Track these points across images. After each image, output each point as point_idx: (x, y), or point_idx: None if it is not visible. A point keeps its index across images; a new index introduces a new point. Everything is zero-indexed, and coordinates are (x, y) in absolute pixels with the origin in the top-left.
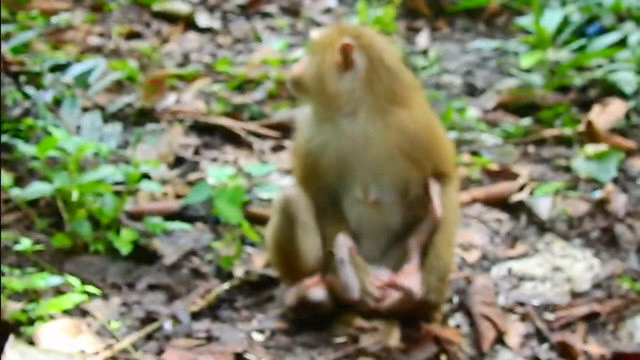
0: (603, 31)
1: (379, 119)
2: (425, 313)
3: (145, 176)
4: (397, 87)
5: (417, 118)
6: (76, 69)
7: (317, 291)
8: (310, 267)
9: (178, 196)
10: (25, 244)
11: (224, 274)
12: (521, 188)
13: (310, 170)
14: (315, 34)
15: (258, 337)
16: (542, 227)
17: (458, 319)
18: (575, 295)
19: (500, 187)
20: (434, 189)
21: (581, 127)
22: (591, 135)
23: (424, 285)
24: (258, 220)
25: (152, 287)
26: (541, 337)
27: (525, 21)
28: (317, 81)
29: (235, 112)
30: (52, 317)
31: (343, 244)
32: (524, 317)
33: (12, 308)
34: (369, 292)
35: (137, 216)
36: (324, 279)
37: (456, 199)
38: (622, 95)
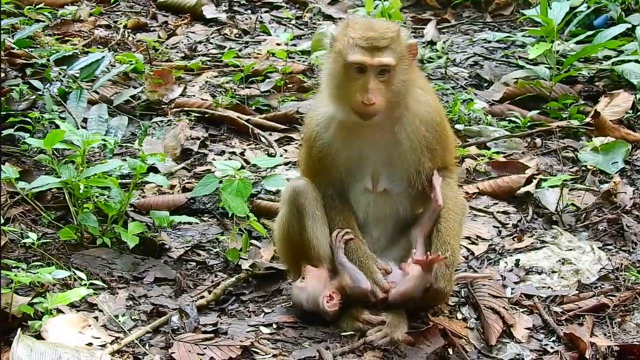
0: (610, 23)
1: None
2: (435, 301)
3: (152, 169)
4: (412, 81)
5: (432, 111)
6: (82, 62)
7: (332, 304)
8: (320, 258)
9: (185, 189)
10: (31, 237)
11: (231, 268)
12: (528, 180)
13: (321, 164)
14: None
15: (265, 331)
16: (549, 220)
17: (465, 312)
18: (582, 287)
19: (507, 180)
20: (437, 180)
21: (588, 119)
22: (598, 127)
23: (432, 273)
24: (265, 213)
25: (159, 281)
26: (548, 330)
27: (532, 13)
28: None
29: (242, 105)
30: (59, 311)
31: (338, 244)
32: (532, 310)
33: (19, 302)
34: (378, 283)
35: (144, 209)
36: (337, 287)
37: (458, 190)
38: (630, 87)
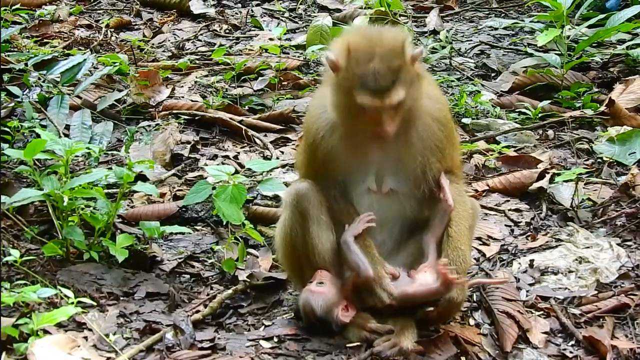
0: (623, 4)
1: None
2: (448, 313)
3: (140, 177)
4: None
5: (442, 107)
6: (63, 65)
7: (347, 316)
8: (326, 264)
9: (176, 197)
10: (13, 255)
11: (227, 279)
12: (541, 175)
13: (325, 167)
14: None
15: (266, 345)
16: (564, 216)
17: (478, 317)
18: (601, 287)
19: (519, 175)
20: (445, 180)
21: (603, 108)
22: (614, 115)
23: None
24: (262, 220)
25: (151, 296)
26: (567, 333)
27: None
28: None
29: (234, 105)
30: (46, 332)
31: (349, 230)
32: (548, 313)
33: (3, 323)
34: (385, 288)
35: (132, 220)
36: (349, 299)
37: (465, 194)
38: None
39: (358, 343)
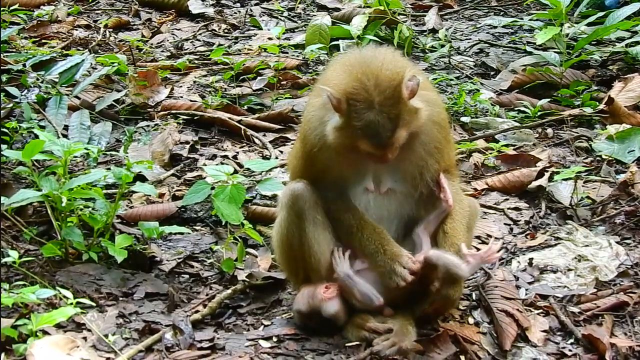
0: (622, 2)
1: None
2: (444, 309)
3: (139, 177)
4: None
5: (440, 110)
6: (61, 66)
7: (331, 305)
8: (321, 264)
9: (175, 197)
10: (12, 256)
11: (226, 279)
12: (540, 173)
13: (323, 171)
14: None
15: (265, 345)
16: (564, 214)
17: (477, 316)
18: (600, 285)
19: (518, 174)
20: (444, 180)
21: (602, 106)
22: (613, 113)
23: (441, 279)
24: (261, 219)
25: (150, 296)
26: (566, 332)
27: None
28: None
29: (233, 105)
30: (45, 333)
31: (340, 260)
32: (547, 311)
33: (2, 324)
34: (406, 265)
35: (131, 221)
36: (339, 288)
37: (462, 193)
38: None
39: (357, 342)
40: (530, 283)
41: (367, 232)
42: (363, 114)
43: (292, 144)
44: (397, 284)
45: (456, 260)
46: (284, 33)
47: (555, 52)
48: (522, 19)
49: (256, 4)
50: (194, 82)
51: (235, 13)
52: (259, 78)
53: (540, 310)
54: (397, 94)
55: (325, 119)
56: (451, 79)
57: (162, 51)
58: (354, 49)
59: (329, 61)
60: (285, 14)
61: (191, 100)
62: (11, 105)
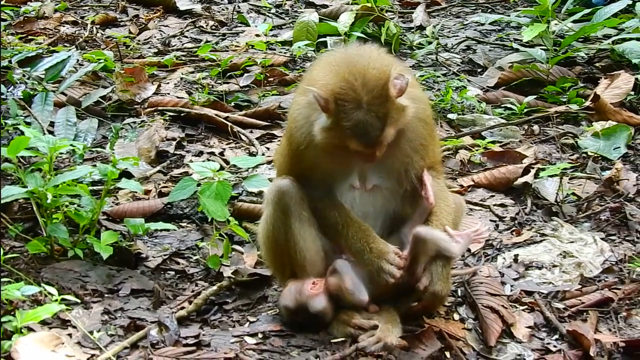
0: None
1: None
2: (432, 306)
3: (125, 174)
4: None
5: (426, 107)
6: (48, 62)
7: (319, 301)
8: (307, 261)
9: (161, 194)
10: None
11: (212, 275)
12: (526, 170)
13: (309, 168)
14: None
15: (251, 341)
16: (549, 211)
17: (462, 312)
18: (585, 281)
19: (504, 170)
20: (427, 177)
21: (588, 103)
22: (599, 110)
23: (428, 274)
24: (247, 216)
25: (136, 293)
26: (551, 328)
27: None
28: None
29: (220, 101)
30: (29, 329)
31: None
32: (532, 307)
33: None
34: (393, 262)
35: (117, 217)
36: (326, 284)
37: (447, 190)
38: (631, 67)
39: (343, 339)
40: (515, 279)
41: (353, 230)
42: (351, 114)
43: (279, 140)
44: (385, 281)
45: (446, 236)
46: (271, 30)
47: (541, 49)
48: (509, 16)
49: (244, 1)
50: (181, 78)
51: (222, 10)
52: (246, 75)
53: (525, 307)
54: (385, 93)
55: (311, 118)
56: (438, 76)
57: (149, 48)
58: (339, 47)
59: (315, 58)
60: (273, 10)
61: (178, 97)
62: None
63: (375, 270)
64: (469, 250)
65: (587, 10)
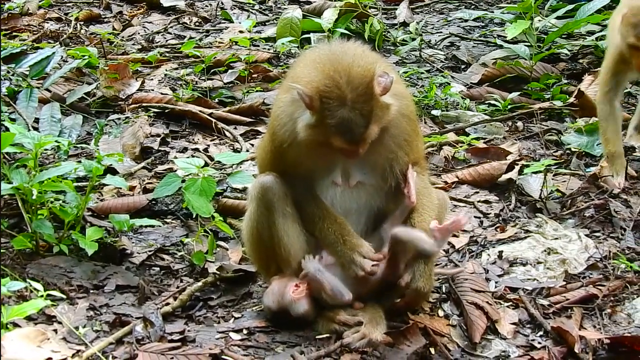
0: None
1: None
2: (415, 302)
3: (110, 170)
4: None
5: (409, 102)
6: (32, 59)
7: (300, 305)
8: (291, 256)
9: (145, 190)
10: None
11: (197, 271)
12: (510, 166)
13: (290, 164)
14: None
15: (236, 337)
16: (533, 207)
17: (447, 308)
18: (569, 278)
19: (488, 167)
20: (411, 175)
21: (572, 99)
22: (583, 107)
23: (410, 271)
24: (232, 212)
25: (121, 288)
26: (535, 324)
27: None
28: None
29: (204, 98)
30: (15, 325)
31: (309, 261)
32: (517, 304)
33: None
34: (366, 255)
35: (102, 213)
36: (308, 287)
37: (431, 186)
38: None
39: (327, 335)
40: (500, 276)
41: (328, 222)
42: (336, 111)
43: (263, 137)
44: (356, 273)
45: (423, 235)
46: (255, 26)
47: (525, 45)
48: (492, 12)
49: None
50: (165, 75)
51: (206, 6)
52: (230, 71)
53: (510, 303)
54: (370, 91)
55: (295, 115)
56: (422, 73)
57: (133, 44)
58: (323, 43)
59: (299, 54)
60: (257, 7)
61: (162, 93)
62: None
63: (347, 263)
64: (453, 247)
65: (570, 7)
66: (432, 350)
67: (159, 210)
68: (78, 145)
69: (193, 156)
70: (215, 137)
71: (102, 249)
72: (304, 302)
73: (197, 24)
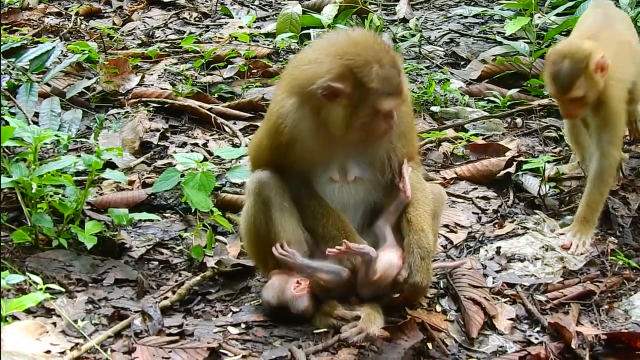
0: None
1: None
2: (413, 297)
3: (109, 165)
4: None
5: (408, 93)
6: (32, 53)
7: (301, 302)
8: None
9: (145, 184)
10: None
11: (195, 266)
12: (509, 163)
13: (288, 159)
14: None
15: (234, 331)
16: (532, 204)
17: (445, 303)
18: (567, 274)
19: (487, 163)
20: (406, 170)
21: None
22: None
23: (407, 266)
24: (230, 207)
25: (119, 282)
26: (532, 320)
27: None
28: None
29: (203, 93)
30: (14, 318)
31: (288, 254)
32: (514, 300)
33: None
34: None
35: (101, 207)
36: (310, 285)
37: (424, 181)
38: None
39: (325, 329)
40: (497, 271)
41: (331, 219)
42: (376, 75)
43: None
44: (353, 265)
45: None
46: (254, 21)
47: (525, 42)
48: (492, 8)
49: None
50: (165, 70)
51: (206, 1)
52: (229, 66)
53: (508, 299)
54: (391, 50)
55: (304, 120)
56: (421, 69)
57: (133, 39)
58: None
59: (299, 50)
60: (256, 2)
61: (162, 88)
62: None
63: (346, 257)
64: (451, 242)
65: (570, 3)
66: (430, 345)
67: (158, 204)
68: (78, 140)
69: (192, 151)
70: (215, 132)
71: (101, 243)
72: (304, 300)
73: (197, 19)
